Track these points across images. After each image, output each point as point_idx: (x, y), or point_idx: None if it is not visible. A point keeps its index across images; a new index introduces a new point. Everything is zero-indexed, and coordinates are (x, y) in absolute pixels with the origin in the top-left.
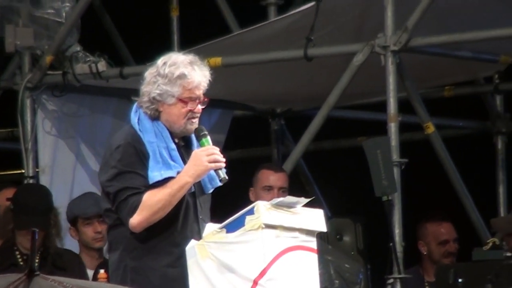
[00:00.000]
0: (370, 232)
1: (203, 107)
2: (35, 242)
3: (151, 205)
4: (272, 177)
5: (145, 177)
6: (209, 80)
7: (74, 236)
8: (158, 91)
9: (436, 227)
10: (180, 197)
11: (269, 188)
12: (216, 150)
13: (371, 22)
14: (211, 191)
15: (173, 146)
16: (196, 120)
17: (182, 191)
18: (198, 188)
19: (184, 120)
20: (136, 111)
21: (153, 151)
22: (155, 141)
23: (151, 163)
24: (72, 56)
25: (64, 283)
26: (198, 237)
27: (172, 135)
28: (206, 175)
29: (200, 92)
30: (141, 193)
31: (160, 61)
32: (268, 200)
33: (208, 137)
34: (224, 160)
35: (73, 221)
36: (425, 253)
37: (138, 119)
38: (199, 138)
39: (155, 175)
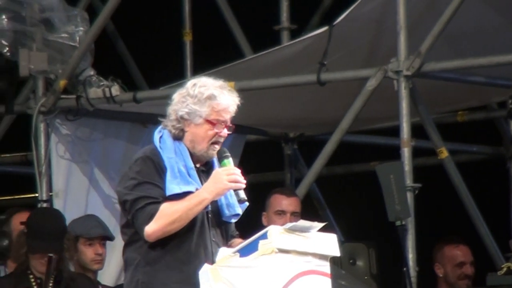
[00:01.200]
0: (383, 257)
1: (229, 132)
2: (51, 267)
3: (168, 214)
4: (284, 202)
5: (163, 189)
6: (238, 106)
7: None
8: (186, 110)
9: (453, 249)
10: (197, 212)
11: (282, 212)
12: (237, 171)
13: (384, 47)
14: (232, 220)
15: (192, 165)
16: (218, 146)
17: (200, 207)
18: (214, 212)
19: (208, 144)
20: (160, 131)
21: (171, 166)
22: (173, 157)
23: (168, 176)
24: (85, 80)
25: None
26: (211, 258)
27: (193, 159)
28: (224, 200)
29: (227, 116)
30: (159, 202)
31: (189, 83)
32: (281, 224)
33: (230, 159)
34: (244, 181)
35: (73, 240)
36: (441, 275)
37: (161, 137)
38: (220, 159)
39: (173, 187)
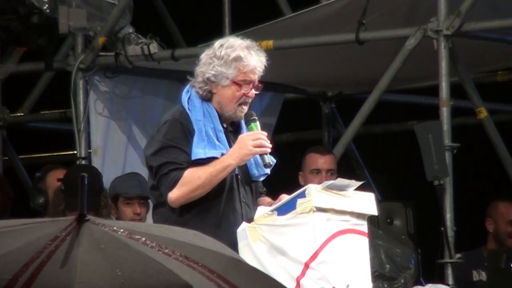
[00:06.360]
0: (421, 216)
1: (257, 92)
2: (85, 187)
3: (191, 181)
4: (319, 160)
5: (189, 154)
6: (265, 66)
7: (113, 214)
8: (213, 72)
9: (507, 206)
10: (221, 178)
11: (317, 171)
12: (263, 135)
13: (423, 6)
14: (261, 179)
15: (220, 128)
16: (246, 107)
17: (224, 173)
18: (243, 173)
19: (235, 105)
20: (188, 91)
21: (199, 129)
22: (202, 119)
23: (195, 139)
24: (124, 38)
25: (115, 227)
26: (240, 220)
27: (221, 119)
28: (254, 160)
29: (255, 77)
30: (183, 168)
31: (217, 43)
32: (317, 183)
33: (257, 122)
34: (270, 145)
35: (114, 198)
36: (491, 231)
37: (189, 98)
38: (248, 123)
39: (199, 151)
